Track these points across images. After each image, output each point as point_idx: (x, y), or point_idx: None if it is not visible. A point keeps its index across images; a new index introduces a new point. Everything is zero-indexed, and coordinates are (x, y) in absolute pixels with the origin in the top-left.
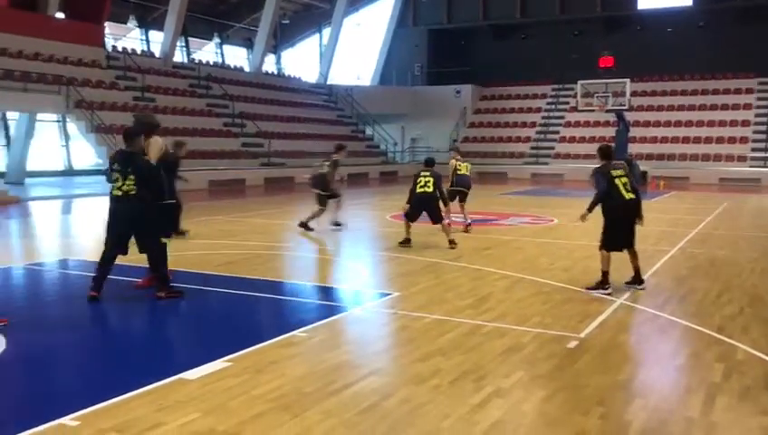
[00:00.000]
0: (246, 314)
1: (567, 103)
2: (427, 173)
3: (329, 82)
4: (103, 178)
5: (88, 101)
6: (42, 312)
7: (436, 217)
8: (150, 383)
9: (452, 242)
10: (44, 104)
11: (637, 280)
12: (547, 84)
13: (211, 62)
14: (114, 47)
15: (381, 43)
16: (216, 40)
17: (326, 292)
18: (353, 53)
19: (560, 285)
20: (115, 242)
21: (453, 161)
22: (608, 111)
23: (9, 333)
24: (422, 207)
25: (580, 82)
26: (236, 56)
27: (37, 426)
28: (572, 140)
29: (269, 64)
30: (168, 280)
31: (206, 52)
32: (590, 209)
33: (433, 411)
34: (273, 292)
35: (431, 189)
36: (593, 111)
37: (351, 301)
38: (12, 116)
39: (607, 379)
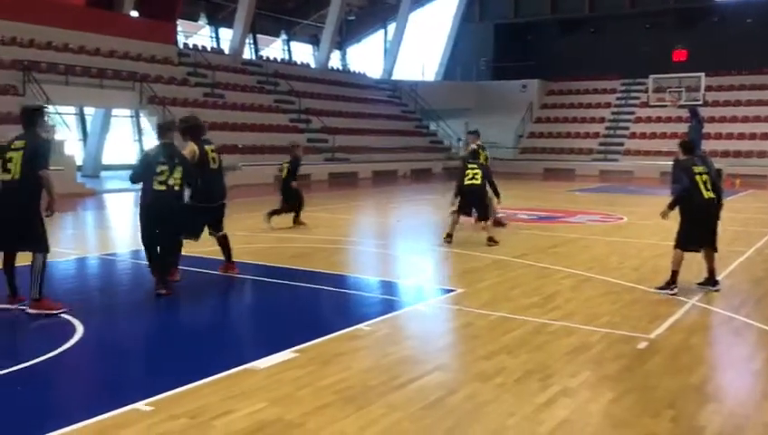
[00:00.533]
0: (312, 306)
1: (637, 98)
2: (475, 165)
3: (393, 78)
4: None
5: (160, 96)
6: (115, 300)
7: (483, 213)
8: (220, 372)
9: (491, 239)
10: (119, 100)
11: (710, 281)
12: (617, 79)
13: (278, 59)
14: (185, 44)
15: (446, 38)
16: (284, 37)
17: (390, 287)
18: (418, 48)
19: (629, 284)
20: (149, 237)
21: (473, 146)
22: (681, 106)
23: (86, 321)
24: (472, 199)
25: (651, 76)
26: (303, 53)
27: (113, 410)
28: (643, 136)
29: (334, 60)
30: (167, 280)
31: (274, 49)
32: (672, 207)
33: (498, 409)
34: (338, 285)
35: (479, 181)
36: (665, 106)
37: (415, 296)
38: (88, 111)
39: (678, 381)
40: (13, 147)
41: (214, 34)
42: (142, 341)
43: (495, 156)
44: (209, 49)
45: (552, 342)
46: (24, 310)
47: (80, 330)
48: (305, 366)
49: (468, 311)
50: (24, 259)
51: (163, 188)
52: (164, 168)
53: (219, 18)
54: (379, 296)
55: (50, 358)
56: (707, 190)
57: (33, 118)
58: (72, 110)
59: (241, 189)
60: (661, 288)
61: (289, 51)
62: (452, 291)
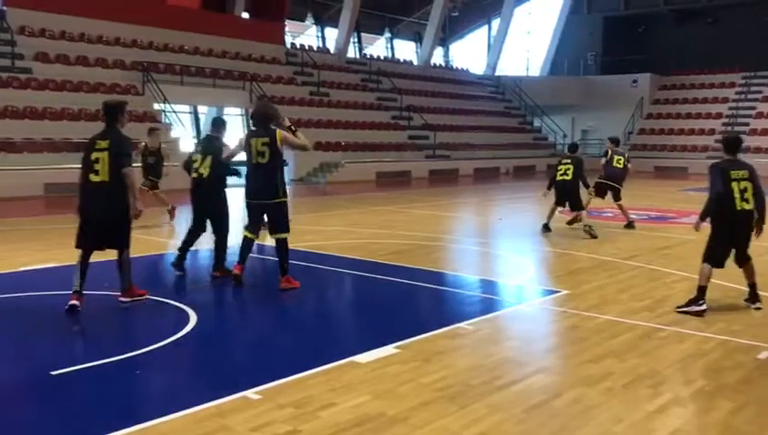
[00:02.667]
0: (413, 302)
1: (759, 93)
2: (568, 160)
3: (497, 74)
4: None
5: (269, 95)
6: (224, 292)
7: (576, 205)
8: (324, 364)
9: (588, 227)
10: (230, 99)
11: (752, 298)
12: (736, 72)
13: (381, 57)
14: (293, 44)
15: (552, 32)
16: (387, 35)
17: (491, 286)
18: (522, 43)
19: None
20: (198, 223)
21: (609, 151)
22: None
23: (198, 310)
24: (563, 194)
25: None
26: (406, 50)
27: (224, 397)
28: (765, 132)
29: (437, 57)
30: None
31: (377, 46)
32: (703, 217)
33: (605, 414)
34: (439, 283)
35: (570, 177)
36: None
37: (517, 296)
38: (201, 110)
39: None
40: (97, 147)
41: (320, 34)
42: (250, 330)
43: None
44: (315, 48)
45: (663, 347)
46: (119, 300)
47: (193, 319)
48: (407, 362)
49: (574, 313)
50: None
51: (196, 175)
52: (197, 156)
53: (325, 18)
54: (481, 295)
55: (166, 344)
56: (743, 200)
57: (115, 114)
58: (186, 108)
59: (344, 185)
60: (682, 307)
61: (392, 48)
62: (556, 292)
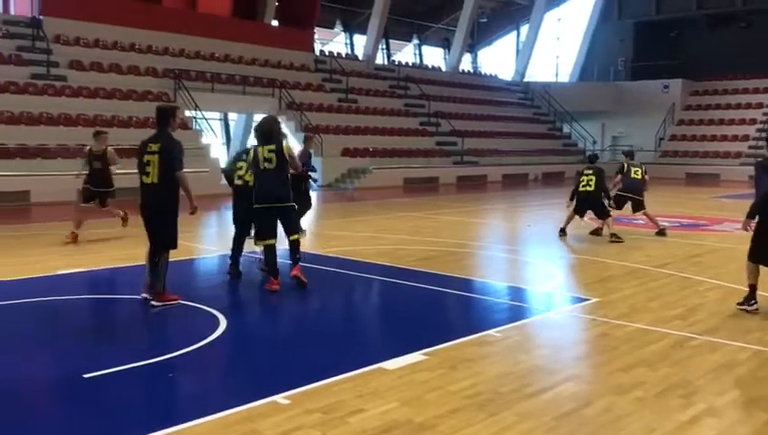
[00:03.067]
0: (441, 309)
1: None
2: (590, 171)
3: (525, 80)
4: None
5: (297, 102)
6: (254, 296)
7: (602, 213)
8: (352, 370)
9: (614, 235)
10: (260, 105)
11: None
12: None
13: (409, 63)
14: (322, 51)
15: (582, 38)
16: (415, 41)
17: (520, 293)
18: (552, 48)
19: None
20: (243, 228)
21: (625, 164)
22: None
23: (228, 315)
24: (585, 205)
25: None
26: (434, 56)
27: (254, 401)
28: None
29: (465, 63)
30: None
31: (406, 53)
32: (751, 215)
33: (636, 424)
34: (467, 289)
35: (592, 187)
36: None
37: (547, 304)
38: (231, 117)
39: None
40: (149, 149)
41: (348, 41)
42: (279, 335)
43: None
44: (344, 55)
45: (695, 357)
46: (151, 303)
47: (222, 323)
48: (435, 369)
49: (604, 321)
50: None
51: (240, 182)
52: (242, 164)
53: (354, 25)
54: (510, 302)
55: (196, 348)
56: None
57: (166, 117)
58: (216, 115)
59: (372, 191)
60: (741, 303)
61: (420, 55)
62: (586, 300)
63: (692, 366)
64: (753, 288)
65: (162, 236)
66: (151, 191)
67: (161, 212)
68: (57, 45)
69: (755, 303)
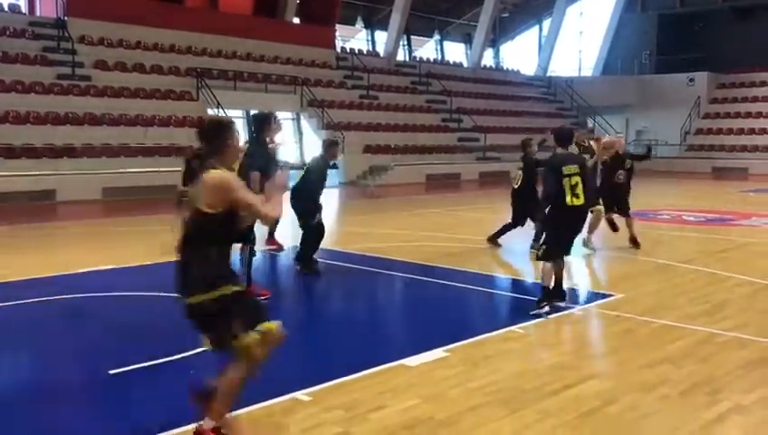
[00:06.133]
0: (463, 305)
1: None
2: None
3: (548, 74)
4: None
5: (319, 99)
6: (274, 294)
7: (625, 210)
8: (373, 367)
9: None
10: (282, 103)
11: None
12: None
13: (431, 59)
14: (343, 48)
15: (605, 31)
16: (437, 37)
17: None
18: (575, 42)
19: None
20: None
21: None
22: None
23: None
24: (611, 198)
25: None
26: (456, 52)
27: (276, 398)
28: None
29: (487, 58)
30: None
31: (427, 49)
32: None
33: (661, 422)
34: (489, 286)
35: (621, 180)
36: None
37: (571, 300)
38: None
39: None
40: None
41: (370, 37)
42: (300, 332)
43: (660, 154)
44: (365, 52)
45: (721, 354)
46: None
47: None
48: (456, 366)
49: (628, 317)
50: None
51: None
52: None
53: (375, 21)
54: (532, 299)
55: None
56: None
57: (257, 125)
58: (239, 113)
59: (394, 188)
60: None
61: (442, 51)
62: (610, 296)
63: (718, 363)
64: None
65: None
66: None
67: None
68: (82, 46)
69: None
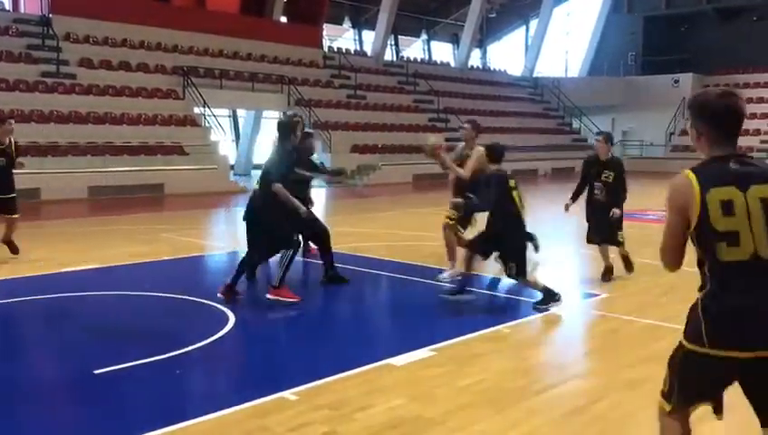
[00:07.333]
0: (450, 305)
1: None
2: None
3: (535, 75)
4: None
5: (306, 99)
6: (262, 294)
7: (612, 238)
8: (360, 366)
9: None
10: (269, 102)
11: None
12: None
13: (418, 59)
14: (330, 47)
15: (591, 33)
16: (424, 37)
17: (529, 289)
18: (561, 43)
19: None
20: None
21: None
22: None
23: (236, 312)
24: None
25: None
26: (443, 52)
27: (262, 397)
28: None
29: (474, 59)
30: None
31: (414, 48)
32: None
33: (647, 419)
34: (476, 285)
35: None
36: None
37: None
38: (240, 113)
39: None
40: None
41: (357, 37)
42: (287, 332)
43: (645, 154)
44: (352, 51)
45: None
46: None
47: (231, 320)
48: (443, 365)
49: (613, 317)
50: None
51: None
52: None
53: (362, 21)
54: (519, 298)
55: (204, 345)
56: None
57: (282, 130)
58: (225, 112)
59: (381, 188)
60: None
61: (429, 50)
62: (596, 295)
63: None
64: None
65: (279, 239)
66: (256, 198)
67: (264, 222)
68: (67, 43)
69: None
